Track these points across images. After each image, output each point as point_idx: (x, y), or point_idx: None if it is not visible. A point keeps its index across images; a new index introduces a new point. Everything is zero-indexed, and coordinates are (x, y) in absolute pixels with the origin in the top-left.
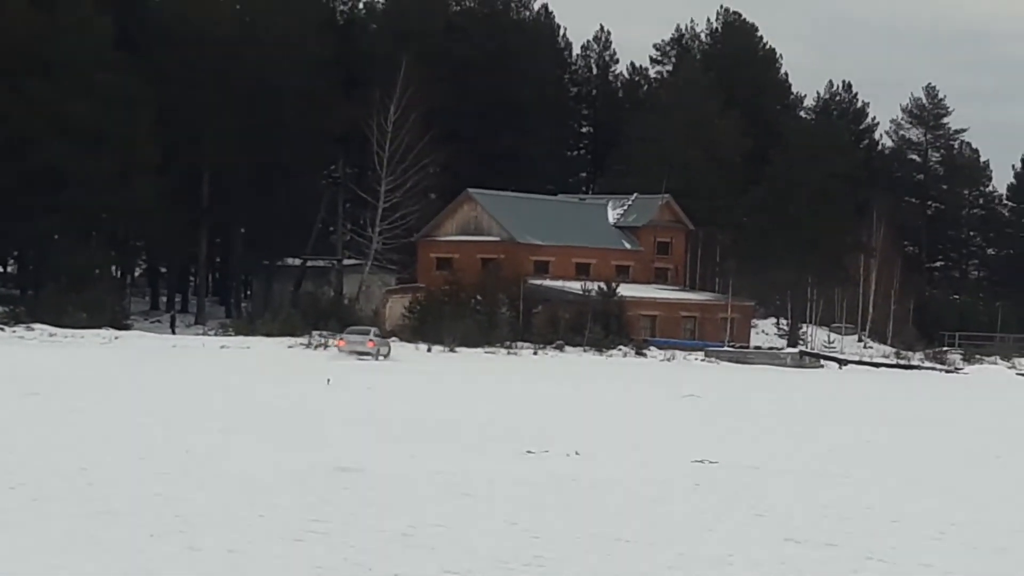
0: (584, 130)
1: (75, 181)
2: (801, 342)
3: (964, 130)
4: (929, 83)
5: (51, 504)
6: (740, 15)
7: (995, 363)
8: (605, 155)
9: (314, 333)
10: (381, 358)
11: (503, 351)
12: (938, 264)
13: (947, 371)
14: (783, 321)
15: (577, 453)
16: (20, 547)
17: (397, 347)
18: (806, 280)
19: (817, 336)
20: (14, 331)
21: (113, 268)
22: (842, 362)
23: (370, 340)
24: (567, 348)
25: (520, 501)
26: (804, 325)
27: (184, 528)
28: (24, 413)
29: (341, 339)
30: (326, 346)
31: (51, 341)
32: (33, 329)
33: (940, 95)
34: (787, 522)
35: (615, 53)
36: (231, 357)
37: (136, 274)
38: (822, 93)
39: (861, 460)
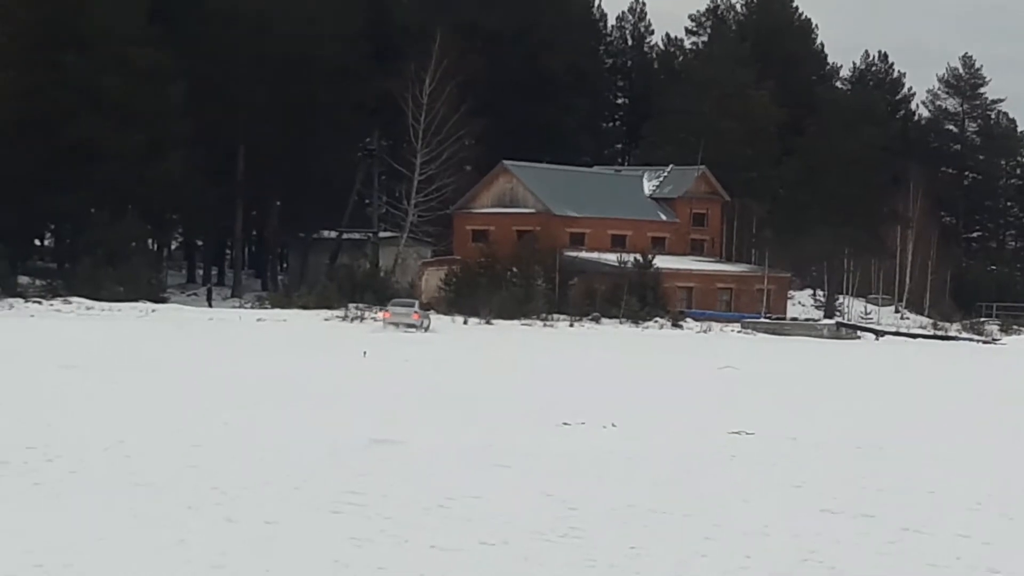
0: (619, 102)
1: (109, 155)
2: (838, 313)
3: (1001, 100)
4: (966, 53)
5: (89, 476)
6: None
7: None
8: (640, 127)
9: (350, 306)
10: (423, 330)
11: (539, 323)
12: (975, 235)
13: (984, 342)
14: (819, 292)
15: (613, 425)
16: (58, 519)
17: (434, 319)
18: (842, 251)
19: (854, 307)
20: (51, 304)
21: (149, 241)
22: (879, 333)
23: (415, 312)
24: (603, 320)
25: (556, 473)
26: (841, 296)
27: (221, 500)
28: (62, 386)
29: (386, 311)
30: (363, 318)
31: (88, 314)
32: (70, 302)
33: (977, 65)
34: (824, 493)
35: (650, 24)
36: (267, 330)
37: (172, 247)
38: (858, 64)
39: (898, 431)
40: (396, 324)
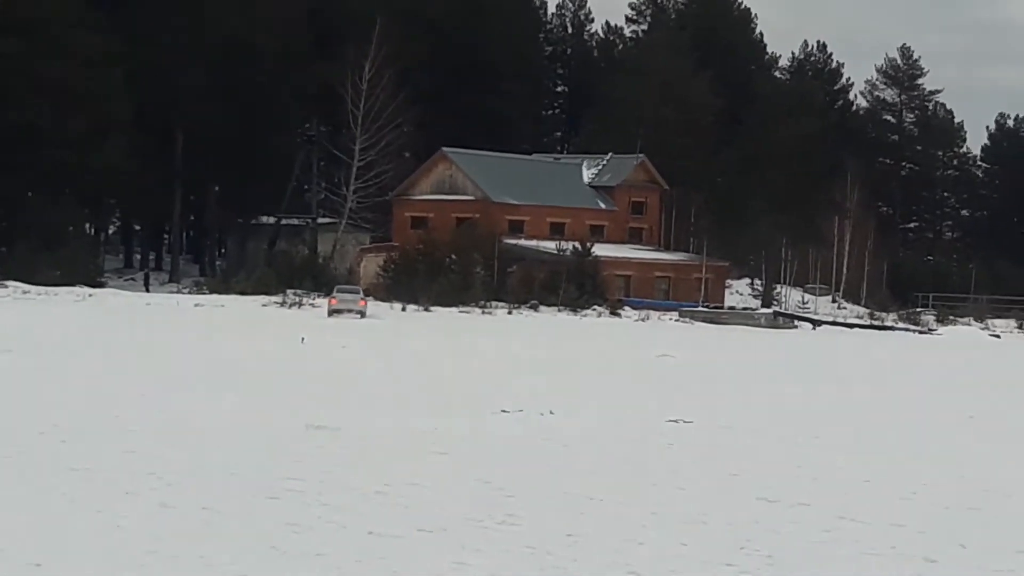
0: (559, 89)
1: (48, 139)
2: (775, 302)
3: (939, 91)
4: (904, 44)
5: (24, 461)
6: None
7: (968, 324)
8: (580, 115)
9: (288, 292)
10: (360, 316)
11: (477, 310)
12: (912, 225)
13: (921, 332)
14: (757, 281)
15: (551, 412)
16: None
17: (372, 306)
18: (780, 240)
19: (791, 297)
20: None
21: (87, 226)
22: (816, 323)
23: (362, 299)
24: (541, 308)
25: (494, 460)
26: (778, 286)
27: (157, 486)
28: None
29: (333, 297)
30: (301, 304)
31: (24, 298)
32: (6, 286)
33: (915, 56)
34: (760, 481)
35: (590, 12)
36: (205, 315)
37: (110, 232)
38: (797, 53)
39: (834, 420)
40: (341, 311)
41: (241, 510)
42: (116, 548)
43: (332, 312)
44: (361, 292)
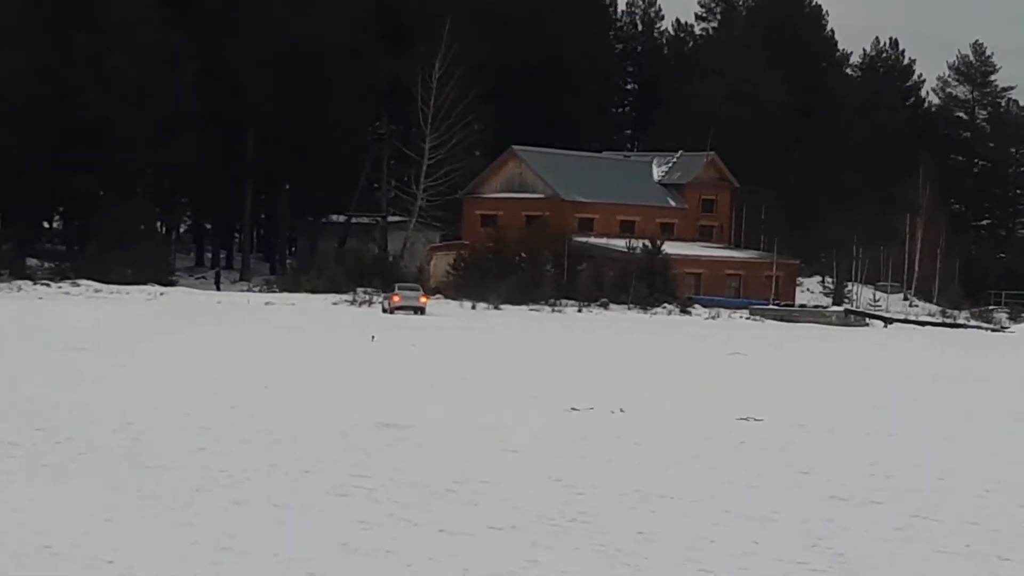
0: (629, 87)
1: (119, 137)
2: (846, 300)
3: (1012, 87)
4: (977, 40)
5: (98, 458)
6: None
7: None
8: (650, 112)
9: (358, 290)
10: (422, 313)
11: (547, 308)
12: (984, 222)
13: (993, 329)
14: (828, 279)
15: (622, 410)
16: (68, 501)
17: (442, 304)
18: (852, 238)
19: (862, 294)
20: (60, 287)
21: (158, 224)
22: (887, 320)
23: (423, 296)
24: (611, 306)
25: (564, 457)
26: (849, 283)
27: (229, 483)
28: (70, 368)
29: (396, 294)
30: (371, 302)
31: (96, 297)
32: (79, 285)
33: (987, 52)
34: (832, 479)
35: (660, 10)
36: (276, 313)
37: (181, 230)
38: (868, 50)
39: (906, 418)
40: (404, 308)
41: (312, 507)
42: (188, 545)
43: (394, 309)
44: (421, 289)
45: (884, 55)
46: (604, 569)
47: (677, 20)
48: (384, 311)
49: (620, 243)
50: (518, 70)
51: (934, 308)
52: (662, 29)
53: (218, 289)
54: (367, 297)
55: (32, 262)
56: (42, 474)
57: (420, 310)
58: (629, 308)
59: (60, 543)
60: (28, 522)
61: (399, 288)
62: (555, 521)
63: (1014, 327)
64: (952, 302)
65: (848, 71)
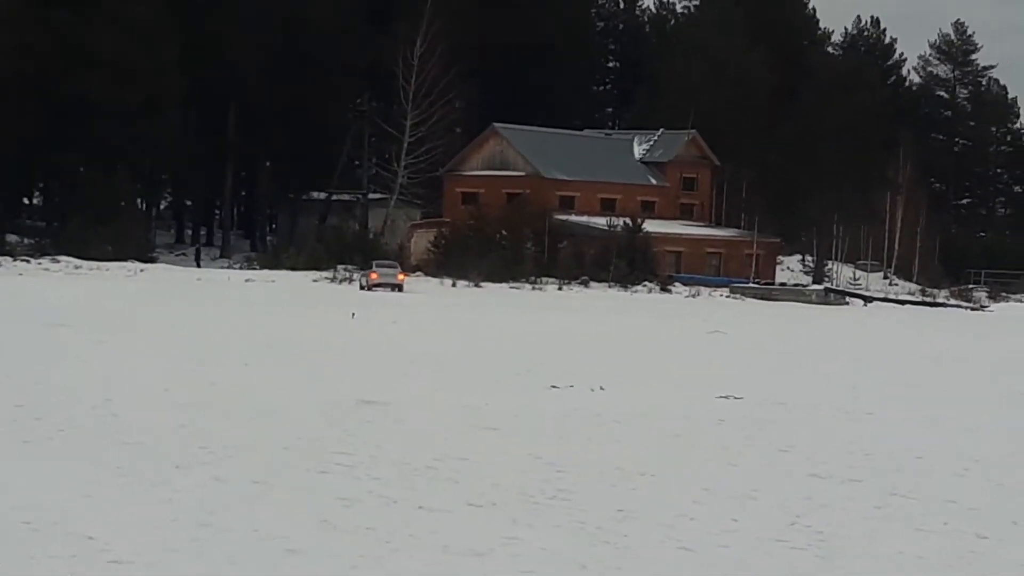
0: (611, 65)
1: (100, 113)
2: (826, 279)
3: (992, 67)
4: (958, 19)
5: (77, 435)
6: None
7: (1021, 300)
8: (631, 90)
9: (339, 267)
10: (399, 290)
11: (528, 286)
12: (965, 201)
13: (973, 308)
14: (808, 258)
15: (601, 388)
16: (47, 476)
17: (422, 282)
18: (832, 217)
19: (842, 273)
20: (40, 263)
21: (138, 201)
22: (867, 299)
23: (400, 273)
24: (592, 284)
25: (544, 435)
26: (829, 262)
27: (209, 459)
28: (50, 345)
29: (374, 272)
30: (351, 280)
31: (76, 273)
32: (59, 261)
33: (969, 31)
34: (812, 458)
35: None
36: (256, 290)
37: (161, 207)
38: (850, 29)
39: (886, 397)
40: (382, 285)
41: (292, 484)
42: (168, 521)
43: (372, 286)
44: (399, 267)
45: (866, 34)
46: (584, 547)
47: None
48: (361, 288)
49: (601, 221)
50: (499, 48)
51: (914, 287)
52: (644, 7)
53: (198, 266)
54: (347, 274)
55: (12, 238)
56: (22, 451)
57: (398, 287)
58: (610, 286)
59: (40, 520)
60: (8, 499)
61: (376, 265)
62: (535, 498)
63: (993, 306)
64: (932, 281)
65: (830, 49)
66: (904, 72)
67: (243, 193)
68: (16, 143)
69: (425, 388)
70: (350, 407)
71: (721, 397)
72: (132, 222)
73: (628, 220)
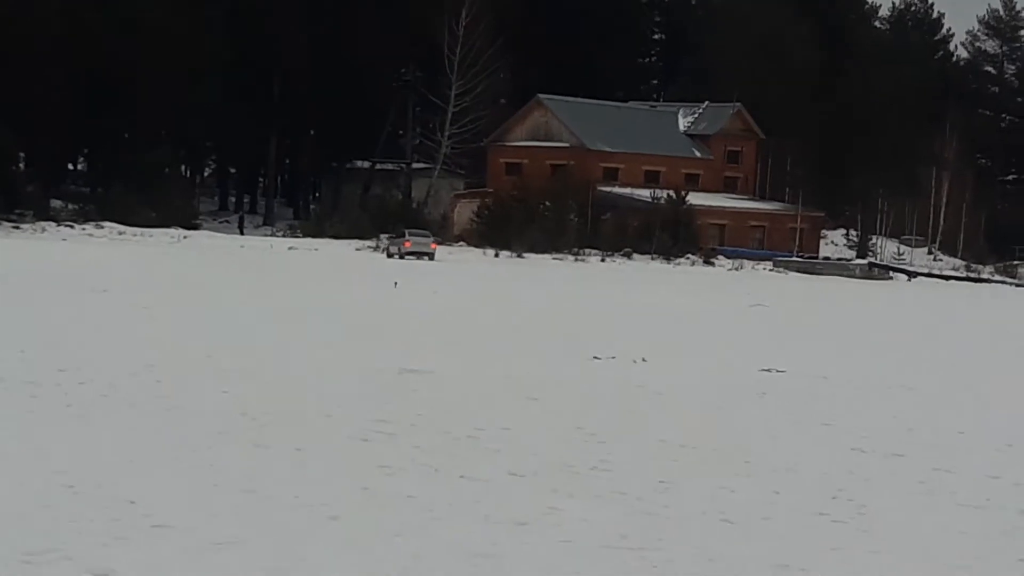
0: (656, 37)
1: (144, 79)
2: (870, 253)
3: None
4: None
5: (120, 400)
6: None
7: None
8: (677, 63)
9: (382, 236)
10: (431, 259)
11: (571, 258)
12: (1011, 177)
13: (1017, 284)
14: (853, 232)
15: (644, 360)
16: (89, 441)
17: (465, 252)
18: (877, 191)
19: (887, 248)
20: (84, 229)
21: (183, 168)
22: (911, 274)
23: (433, 242)
24: (635, 256)
25: (586, 406)
26: (874, 236)
27: (251, 426)
28: (93, 310)
29: (408, 240)
30: (392, 249)
31: (120, 239)
32: (102, 227)
33: (1018, 7)
34: (854, 432)
35: None
36: (299, 258)
37: (205, 174)
38: (897, 3)
39: (929, 372)
40: (415, 253)
41: (334, 452)
42: (210, 487)
43: (405, 254)
44: (431, 236)
45: (913, 8)
46: (624, 517)
47: None
48: (389, 256)
49: (644, 193)
50: (545, 19)
51: (958, 262)
52: None
53: (241, 233)
54: (389, 244)
55: (56, 203)
56: (64, 415)
57: (430, 255)
58: (652, 258)
59: (82, 484)
60: (50, 463)
61: (410, 234)
62: (576, 469)
63: None
64: (977, 257)
65: (876, 24)
66: (951, 47)
67: (287, 161)
68: (60, 109)
69: (467, 357)
70: (392, 375)
71: (763, 370)
72: (176, 189)
73: (672, 192)
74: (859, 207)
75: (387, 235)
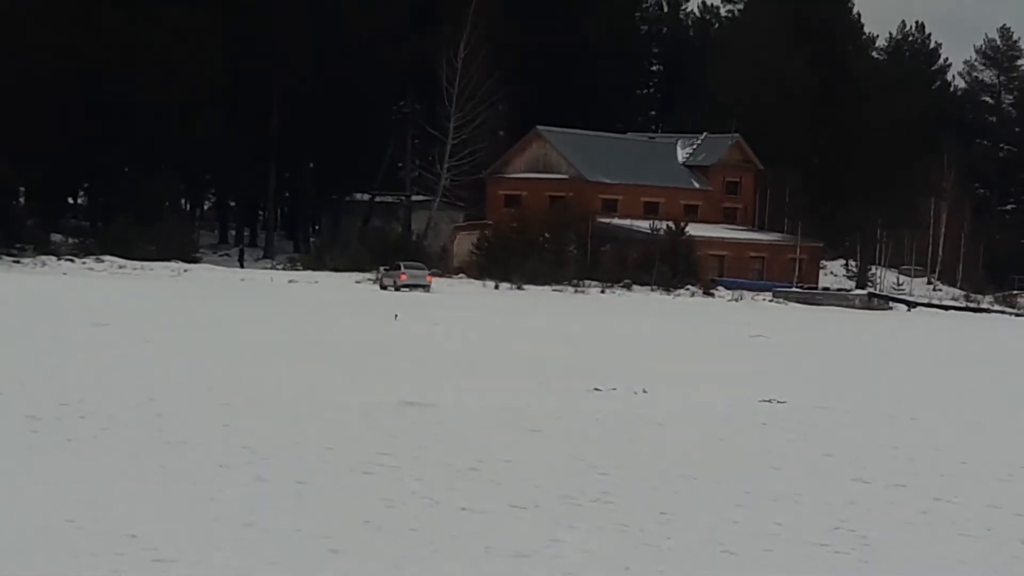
0: (654, 68)
1: (143, 113)
2: (870, 284)
3: None
4: (1004, 24)
5: (121, 433)
6: None
7: None
8: (675, 94)
9: (381, 269)
10: (427, 291)
11: (570, 289)
12: (1009, 207)
13: (1017, 314)
14: (852, 262)
15: (644, 391)
16: (90, 475)
17: (465, 284)
18: (875, 222)
19: (886, 278)
20: (84, 262)
21: (182, 201)
22: (911, 304)
23: (428, 274)
24: (635, 287)
25: (587, 438)
26: (873, 267)
27: (252, 459)
28: (94, 344)
29: (403, 273)
30: (389, 281)
31: (121, 273)
32: (103, 261)
33: (1015, 36)
34: (855, 462)
35: None
36: (299, 291)
37: (205, 208)
38: (894, 33)
39: (929, 402)
40: (410, 286)
41: (335, 485)
42: (211, 521)
43: (401, 286)
44: (427, 268)
45: (910, 38)
46: (626, 549)
47: (703, 2)
48: (383, 288)
49: (644, 224)
50: (543, 51)
51: (958, 292)
52: (688, 11)
53: (242, 266)
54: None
55: (56, 237)
56: (66, 449)
57: (425, 288)
58: (652, 290)
59: (83, 517)
60: (51, 496)
61: (405, 267)
62: (577, 501)
63: None
64: (976, 287)
65: (874, 54)
66: (949, 77)
67: (287, 194)
68: (60, 142)
69: (468, 390)
70: (393, 408)
71: (764, 401)
72: (176, 222)
73: (671, 224)
74: (858, 237)
75: (384, 267)
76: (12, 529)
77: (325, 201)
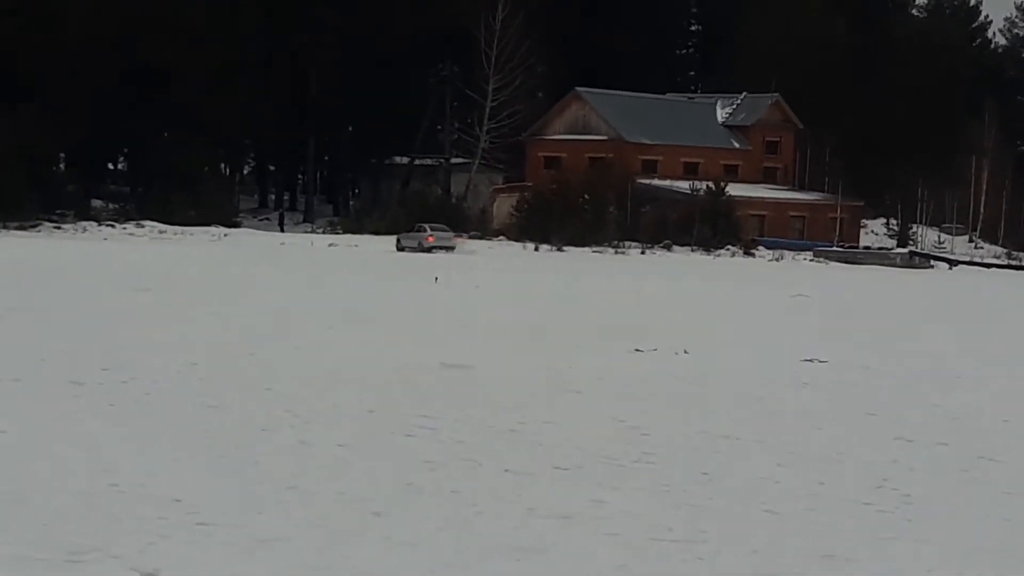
0: (693, 28)
1: (183, 78)
2: (911, 242)
3: None
4: None
5: (163, 398)
6: None
7: None
8: (713, 54)
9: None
10: (453, 251)
11: (610, 251)
12: None
13: None
14: (893, 221)
15: (685, 351)
16: (133, 440)
17: (505, 246)
18: (916, 180)
19: (927, 236)
20: (124, 228)
21: (222, 166)
22: (952, 263)
23: (455, 236)
24: (675, 248)
25: (628, 399)
26: (914, 225)
27: (294, 423)
28: (135, 309)
29: (431, 235)
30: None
31: (161, 238)
32: (143, 226)
33: None
34: (897, 421)
35: None
36: (339, 255)
37: (245, 172)
38: None
39: (971, 360)
40: (437, 247)
41: (377, 448)
42: (254, 484)
43: (428, 248)
44: (451, 231)
45: None
46: (669, 509)
47: None
48: (399, 248)
49: (684, 185)
50: (581, 11)
51: (999, 250)
52: None
53: (282, 231)
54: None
55: (97, 203)
56: (108, 413)
57: (451, 249)
58: (693, 250)
59: (126, 482)
60: (94, 461)
61: (431, 229)
62: (619, 461)
63: None
64: (1018, 244)
65: (914, 12)
66: (989, 34)
67: (326, 158)
68: (99, 108)
69: (508, 351)
70: (433, 370)
71: (805, 360)
72: (215, 187)
73: (711, 184)
74: (899, 196)
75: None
76: (56, 494)
77: (364, 164)
